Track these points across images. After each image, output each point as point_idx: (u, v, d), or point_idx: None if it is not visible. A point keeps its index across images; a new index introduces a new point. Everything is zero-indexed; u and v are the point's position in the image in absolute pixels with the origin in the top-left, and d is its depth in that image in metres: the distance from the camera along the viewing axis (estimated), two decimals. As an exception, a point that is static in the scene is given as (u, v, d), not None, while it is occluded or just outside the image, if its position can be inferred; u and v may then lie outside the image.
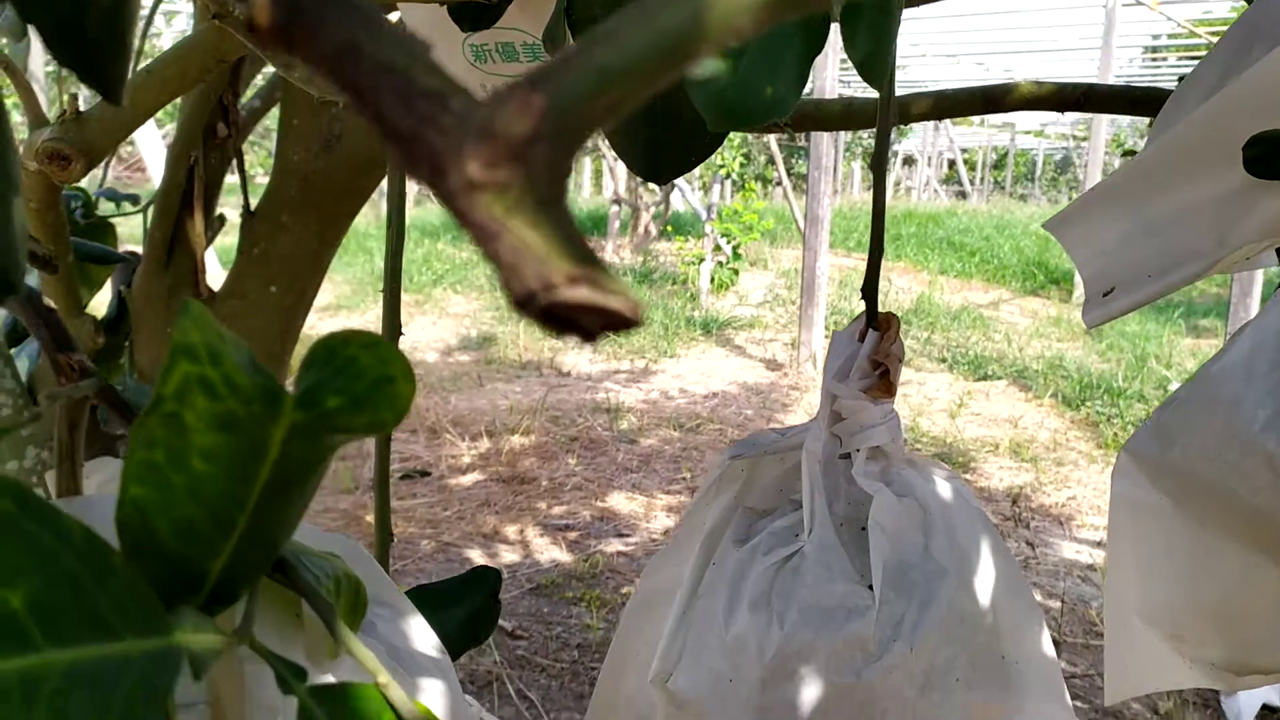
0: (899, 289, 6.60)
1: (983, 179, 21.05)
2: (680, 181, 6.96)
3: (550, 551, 2.54)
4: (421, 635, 0.42)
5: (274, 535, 0.29)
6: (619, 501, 2.94)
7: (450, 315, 5.95)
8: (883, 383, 0.62)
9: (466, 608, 0.59)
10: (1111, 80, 6.50)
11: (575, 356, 4.92)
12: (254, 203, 1.18)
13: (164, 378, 0.25)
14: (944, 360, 4.84)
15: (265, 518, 0.28)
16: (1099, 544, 2.67)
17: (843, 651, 0.58)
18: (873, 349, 0.62)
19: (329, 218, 1.18)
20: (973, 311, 5.99)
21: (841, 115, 0.91)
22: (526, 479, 3.07)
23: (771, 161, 9.35)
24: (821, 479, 0.63)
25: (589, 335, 0.17)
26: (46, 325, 0.32)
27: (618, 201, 7.78)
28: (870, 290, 0.62)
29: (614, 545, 2.60)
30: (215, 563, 0.27)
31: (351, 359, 0.28)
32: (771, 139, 6.82)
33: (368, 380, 0.28)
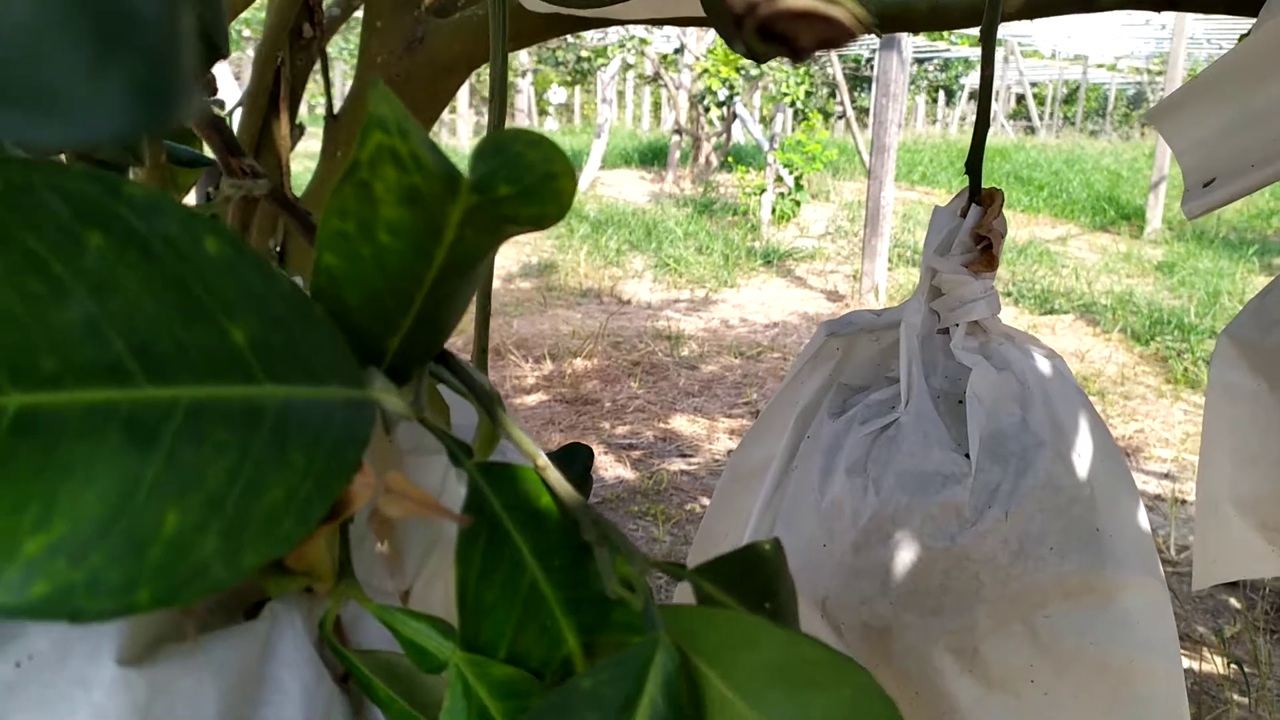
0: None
1: (1052, 114, 20.49)
2: (742, 112, 6.88)
3: (615, 469, 2.58)
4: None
5: (444, 321, 0.31)
6: (681, 424, 2.96)
7: (511, 242, 5.98)
8: (985, 256, 0.62)
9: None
10: None
11: (635, 285, 4.92)
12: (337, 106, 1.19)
13: (359, 145, 0.26)
14: (1009, 294, 4.78)
15: (438, 301, 0.30)
16: (1166, 475, 2.64)
17: (938, 516, 0.60)
18: (976, 222, 0.62)
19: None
20: (1039, 246, 5.88)
21: (929, 14, 0.89)
22: (589, 400, 3.11)
23: (833, 95, 9.19)
24: (919, 352, 0.63)
25: (799, 53, 0.17)
26: (217, 131, 0.34)
27: (678, 132, 7.71)
28: (974, 164, 0.62)
29: (677, 464, 2.63)
30: (393, 339, 0.29)
31: (519, 154, 0.30)
32: (837, 68, 6.70)
33: (535, 174, 0.29)
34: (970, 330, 0.64)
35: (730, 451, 2.74)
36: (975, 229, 0.62)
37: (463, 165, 0.27)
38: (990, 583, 0.59)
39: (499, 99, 0.71)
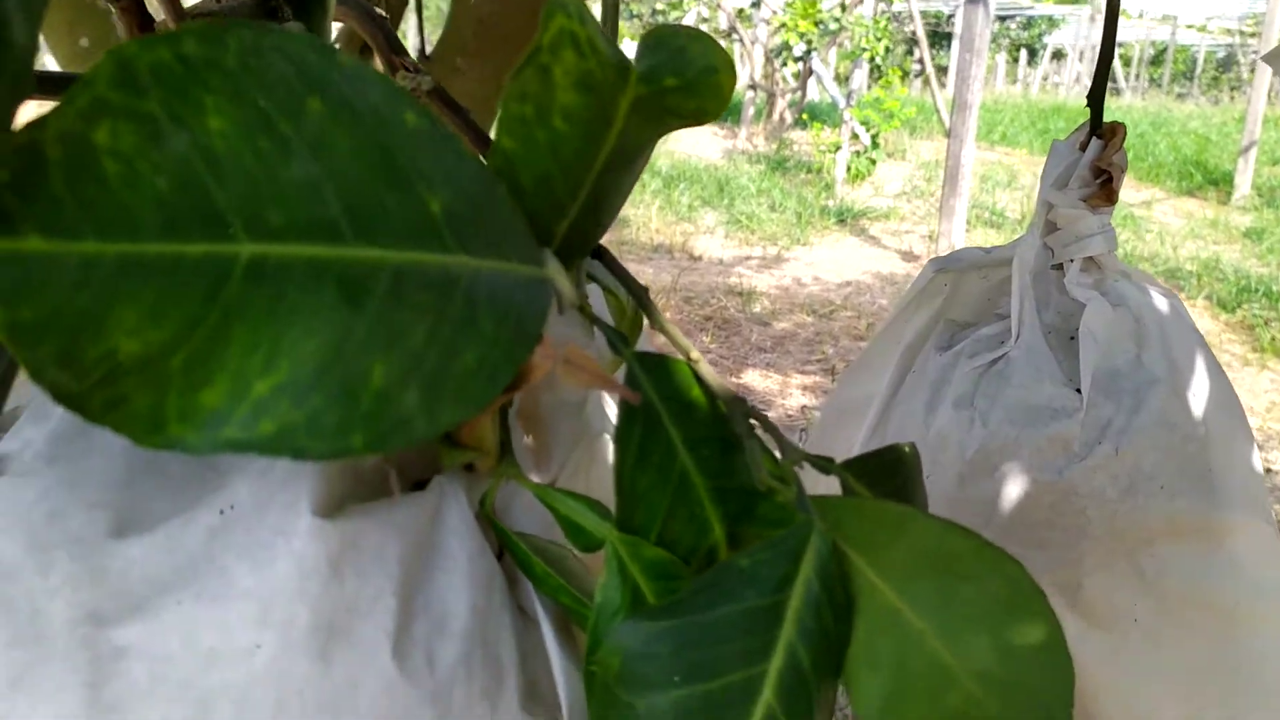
0: (1043, 185, 6.35)
1: (1138, 75, 19.86)
2: (819, 67, 6.78)
3: (686, 420, 2.59)
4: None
5: (605, 212, 0.31)
6: (754, 379, 2.96)
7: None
8: (1104, 191, 0.61)
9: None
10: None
11: (707, 241, 4.91)
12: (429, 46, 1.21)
13: (542, 30, 0.27)
14: (1090, 258, 4.66)
15: (602, 190, 0.30)
16: (1251, 444, 2.58)
17: (1046, 450, 0.59)
18: (1096, 156, 0.61)
19: (504, 63, 1.20)
20: (1123, 209, 5.73)
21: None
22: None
23: (910, 52, 8.99)
24: (1031, 288, 0.63)
25: None
26: (379, 29, 0.35)
27: (753, 87, 7.63)
28: (1097, 96, 0.61)
29: (749, 418, 2.63)
30: (561, 225, 0.30)
31: (682, 48, 0.30)
32: (918, 24, 6.56)
33: (697, 68, 0.30)
34: (1085, 266, 0.63)
35: (804, 408, 2.74)
36: (1095, 162, 0.61)
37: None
38: (1097, 518, 0.59)
39: (611, 24, 0.71)
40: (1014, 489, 0.60)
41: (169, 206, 0.20)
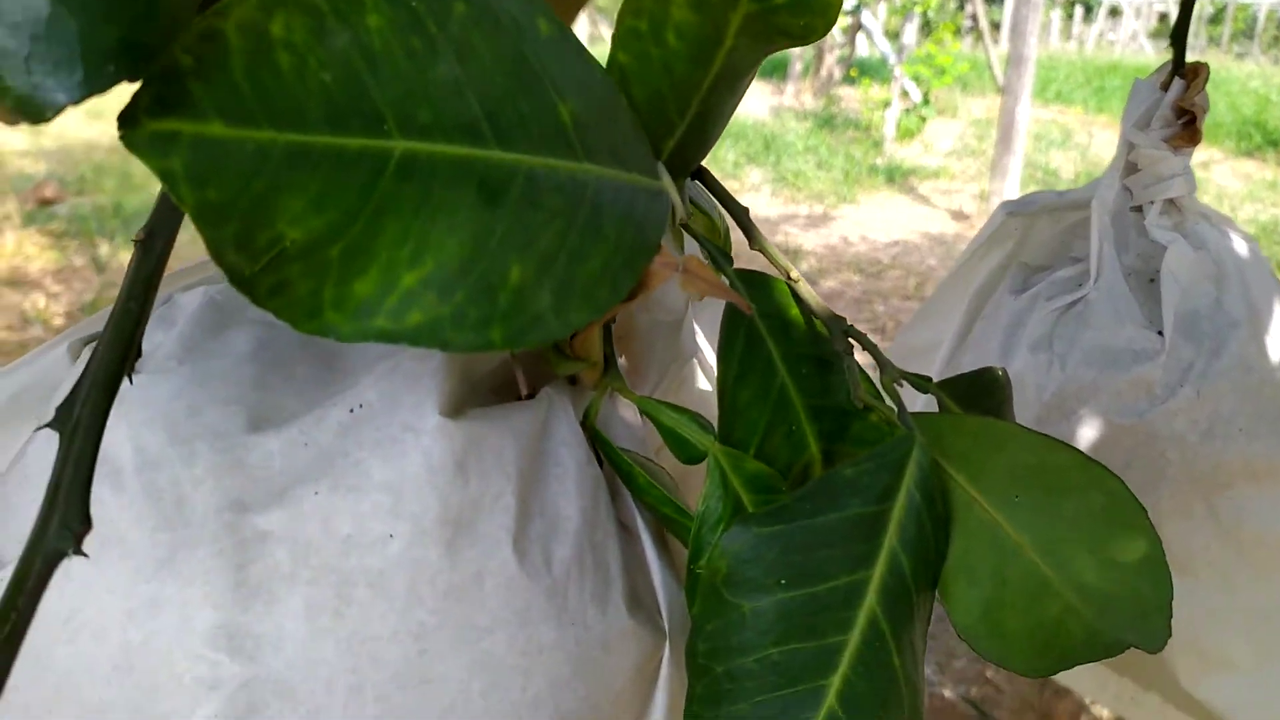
0: (1101, 143, 6.23)
1: (1196, 34, 19.32)
2: (869, 22, 6.67)
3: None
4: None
5: (710, 131, 0.32)
6: (801, 335, 2.94)
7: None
8: (1186, 132, 0.60)
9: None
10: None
11: (752, 198, 4.87)
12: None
13: (663, -58, 0.27)
14: (1145, 219, 4.58)
15: (709, 109, 0.31)
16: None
17: (1126, 393, 0.59)
18: (1179, 96, 0.60)
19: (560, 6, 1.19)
20: (1179, 171, 5.60)
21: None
22: (709, 309, 3.11)
23: (963, 7, 8.82)
24: (1111, 229, 0.63)
25: None
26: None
27: (802, 44, 7.51)
28: (1180, 34, 0.60)
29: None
30: (670, 142, 0.30)
31: (792, -35, 0.30)
32: (973, -22, 6.41)
33: (808, -15, 0.30)
34: (1165, 209, 0.62)
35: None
36: (1178, 102, 0.60)
37: None
38: (1176, 461, 0.59)
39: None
40: (1092, 432, 0.60)
41: (333, 100, 0.20)
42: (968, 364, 0.67)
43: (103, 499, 0.26)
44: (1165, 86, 0.62)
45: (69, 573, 0.25)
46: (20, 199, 3.19)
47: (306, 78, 0.20)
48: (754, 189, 5.07)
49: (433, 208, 0.22)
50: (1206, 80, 0.61)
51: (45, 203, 3.21)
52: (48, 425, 0.20)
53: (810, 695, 0.28)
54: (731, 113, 0.33)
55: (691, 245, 0.32)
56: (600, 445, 0.33)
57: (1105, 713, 1.17)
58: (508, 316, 0.23)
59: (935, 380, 0.64)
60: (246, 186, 0.19)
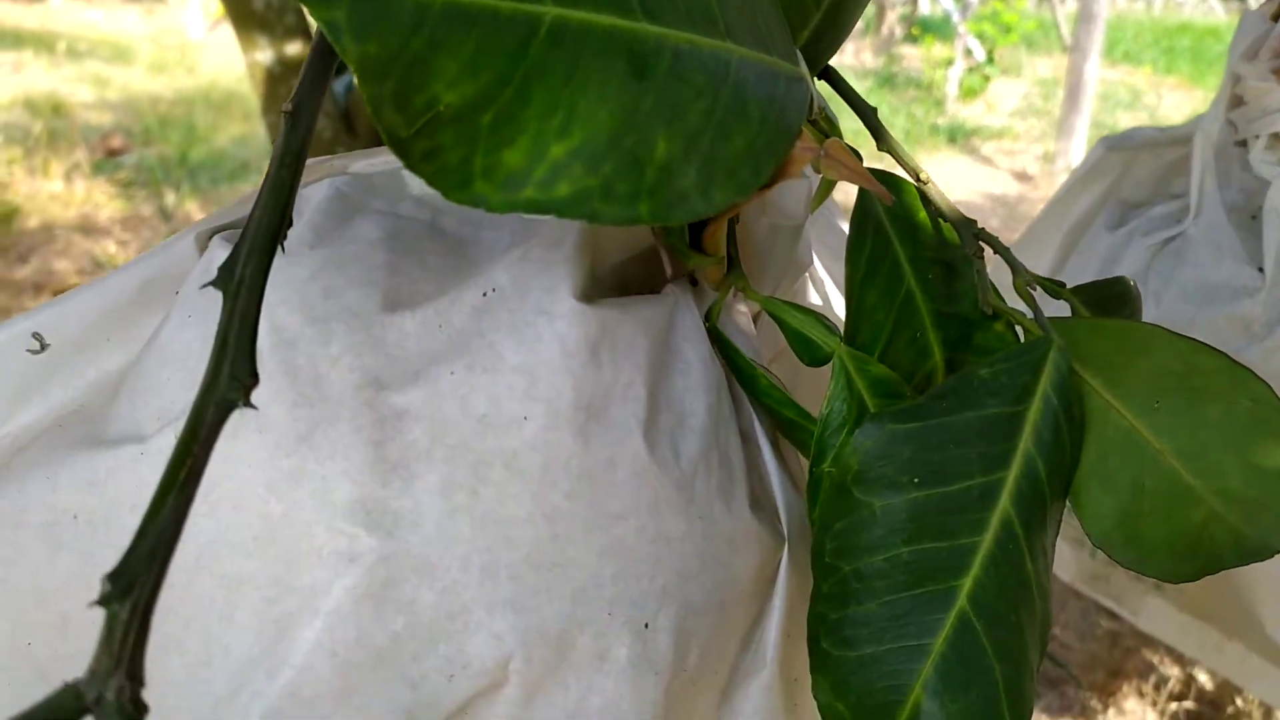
0: (1170, 104, 6.06)
1: (1272, -5, 18.66)
2: (934, -21, 6.52)
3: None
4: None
5: (843, 26, 0.31)
6: (860, 294, 2.92)
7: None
8: (1301, 61, 0.58)
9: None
10: None
11: (812, 157, 4.80)
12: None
13: None
14: (1215, 182, 4.45)
15: (841, 3, 0.30)
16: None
17: (1223, 329, 0.58)
18: (1295, 24, 0.58)
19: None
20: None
21: None
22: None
23: (1032, -36, 8.59)
24: (1214, 164, 0.61)
25: None
26: None
27: None
28: (1301, -41, 0.58)
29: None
30: (804, 34, 0.30)
31: None
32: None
33: None
34: (1271, 143, 0.60)
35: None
36: (1293, 31, 0.58)
37: None
38: (1273, 402, 0.57)
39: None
40: (1185, 370, 0.59)
41: (491, -44, 0.20)
42: (1059, 302, 0.66)
43: (240, 376, 0.26)
44: (1276, 17, 0.59)
45: (209, 446, 0.25)
46: (89, 149, 3.24)
47: (468, -73, 0.19)
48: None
49: (582, 77, 0.22)
50: (1324, 7, 0.59)
51: (112, 153, 3.26)
52: (210, 284, 0.20)
53: (941, 596, 0.27)
54: (864, 8, 0.32)
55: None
56: (722, 346, 0.32)
57: (1175, 670, 1.16)
58: (654, 191, 0.23)
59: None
60: (406, 43, 0.19)
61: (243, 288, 0.20)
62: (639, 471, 0.27)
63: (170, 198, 2.92)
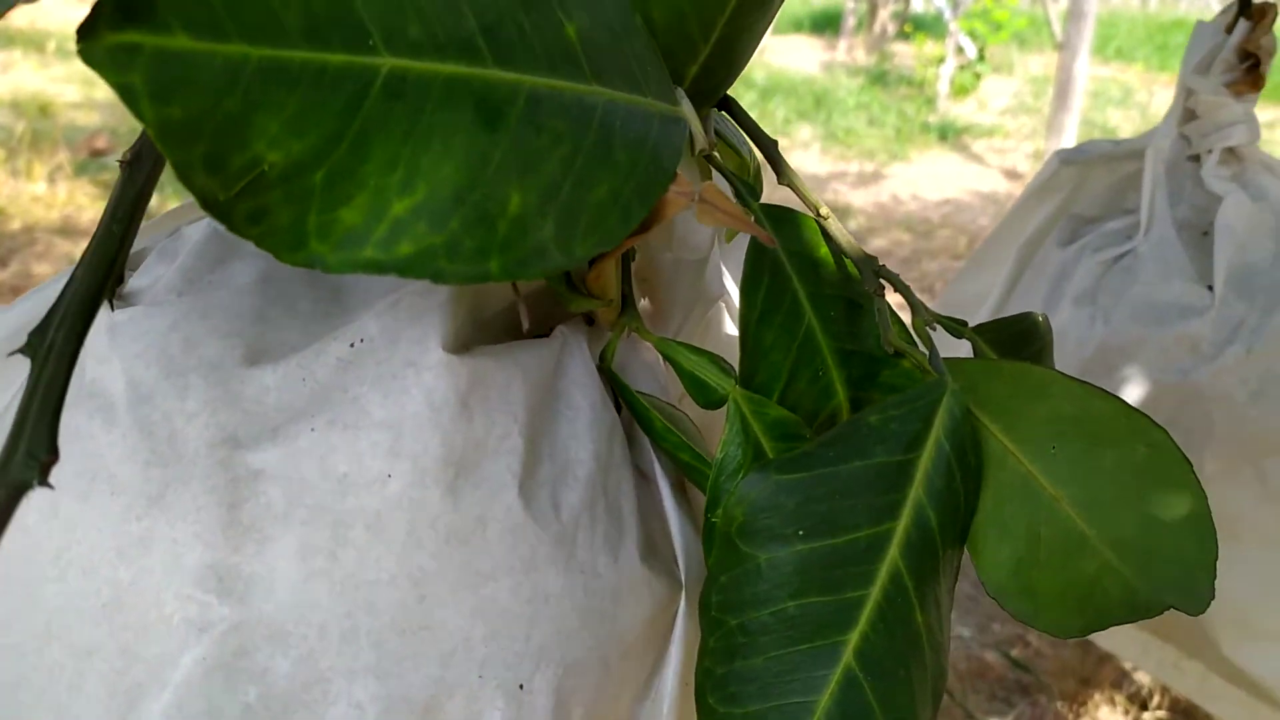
0: (1162, 102, 6.06)
1: (1266, -11, 18.67)
2: (925, -24, 6.51)
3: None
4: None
5: (736, 57, 0.30)
6: (847, 294, 2.91)
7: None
8: (1250, 76, 0.57)
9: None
10: None
11: (802, 155, 4.81)
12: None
13: None
14: (1206, 179, 4.45)
15: (735, 33, 0.29)
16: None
17: (1172, 350, 0.57)
18: (1243, 37, 0.57)
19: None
20: (1243, 130, 5.43)
21: None
22: (754, 266, 3.07)
23: (1025, -40, 8.57)
24: (1165, 180, 0.60)
25: None
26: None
27: (855, -2, 7.37)
28: (1249, -28, 0.57)
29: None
30: (692, 67, 0.29)
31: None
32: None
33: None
34: (1224, 158, 0.59)
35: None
36: (1242, 44, 0.57)
37: None
38: (1222, 422, 0.57)
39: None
40: (1135, 390, 0.58)
41: (312, 12, 0.19)
42: (1013, 313, 0.65)
43: (93, 434, 0.25)
44: (1230, 29, 0.59)
45: (58, 509, 0.24)
46: (72, 150, 3.22)
47: (284, -17, 0.19)
48: (804, 146, 5.00)
49: (425, 130, 0.21)
50: (1275, 21, 0.58)
51: (97, 154, 3.24)
52: (19, 350, 0.19)
53: (827, 651, 0.26)
54: (761, 36, 0.32)
55: (718, 180, 0.31)
56: (617, 388, 0.32)
57: (1148, 679, 1.15)
58: (507, 246, 0.22)
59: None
60: (217, 104, 0.18)
61: (51, 354, 0.19)
62: (513, 527, 0.26)
63: (154, 200, 2.91)
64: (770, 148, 0.32)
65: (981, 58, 5.86)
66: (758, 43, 0.31)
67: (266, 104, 0.19)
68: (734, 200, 0.26)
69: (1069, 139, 4.22)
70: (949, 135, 5.24)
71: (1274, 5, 0.58)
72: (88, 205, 2.84)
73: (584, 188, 0.23)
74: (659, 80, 0.26)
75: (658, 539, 0.31)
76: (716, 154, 0.31)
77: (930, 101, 5.80)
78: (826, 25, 8.13)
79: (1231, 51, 0.58)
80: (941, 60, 5.80)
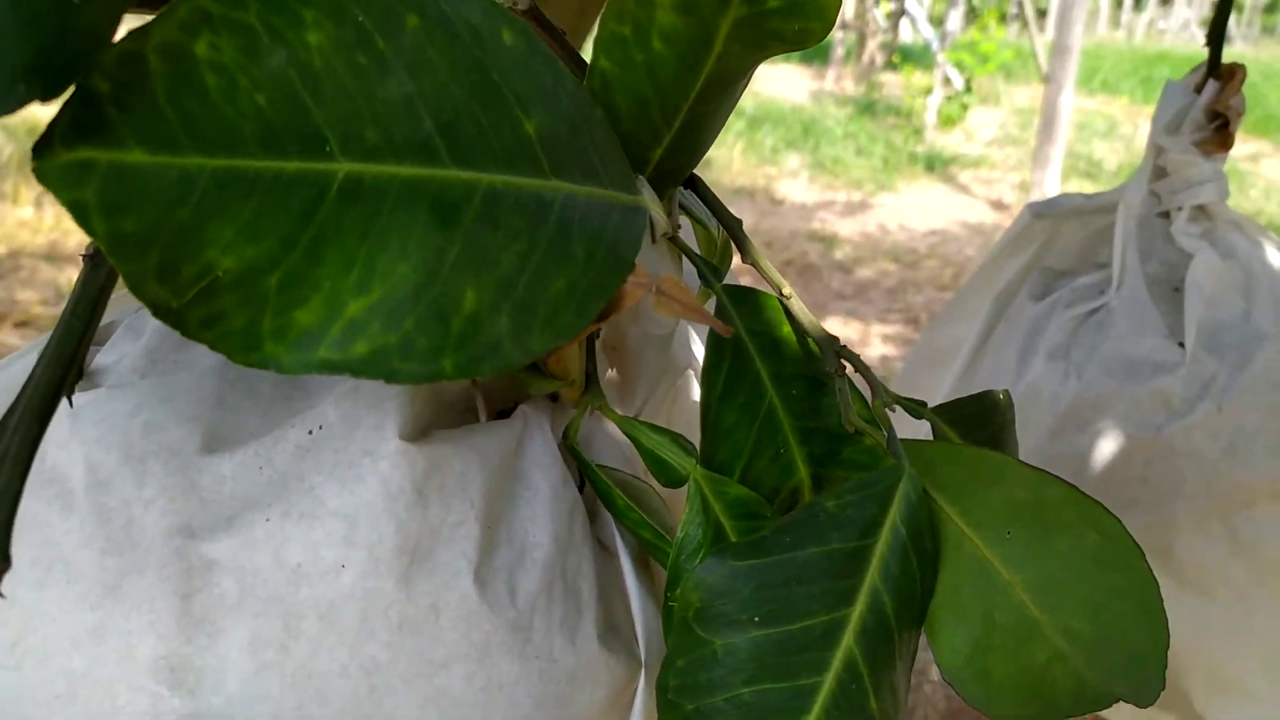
0: (1146, 134, 6.11)
1: (1250, 23, 18.90)
2: (913, 8, 6.58)
3: (764, 365, 2.56)
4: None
5: (701, 139, 0.30)
6: (833, 326, 2.92)
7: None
8: (1219, 136, 0.58)
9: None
10: None
11: (790, 184, 4.83)
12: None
13: (644, -53, 0.26)
14: (1190, 211, 4.48)
15: (700, 116, 0.30)
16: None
17: (1144, 405, 0.57)
18: (1212, 98, 0.58)
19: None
20: (1227, 163, 5.49)
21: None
22: (741, 296, 3.08)
23: (1011, -8, 8.66)
24: (1136, 236, 0.61)
25: None
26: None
27: (843, 27, 7.44)
28: (1216, 34, 0.58)
29: (827, 365, 2.60)
30: (656, 151, 0.29)
31: (787, -31, 0.29)
32: (1019, -37, 6.30)
33: (801, -10, 0.29)
34: (1194, 215, 0.60)
35: (884, 358, 2.70)
36: (1211, 105, 0.58)
37: None
38: (1194, 478, 0.57)
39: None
40: (1107, 445, 0.58)
41: (267, 122, 0.19)
42: (986, 369, 0.65)
43: (51, 521, 0.25)
44: (1199, 89, 0.59)
45: (14, 597, 0.24)
46: (60, 176, 3.21)
47: (237, 99, 0.19)
48: (792, 174, 5.03)
49: (381, 232, 0.21)
50: (1243, 82, 0.59)
51: (85, 180, 3.24)
52: (-30, 454, 0.19)
53: (782, 737, 0.27)
54: (726, 118, 0.32)
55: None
56: (580, 465, 0.32)
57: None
58: (462, 344, 0.22)
59: (947, 394, 0.62)
60: (169, 215, 0.18)
61: (6, 461, 0.19)
62: (467, 615, 0.26)
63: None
64: (734, 227, 0.32)
65: (968, 89, 5.91)
66: (722, 124, 0.32)
67: (221, 212, 0.19)
68: (690, 291, 0.26)
69: (1054, 170, 4.26)
70: (936, 165, 5.28)
71: (1243, 67, 0.59)
72: (74, 231, 2.84)
73: (540, 283, 0.24)
74: (619, 170, 0.26)
75: (618, 615, 0.31)
76: (681, 235, 0.31)
77: (918, 132, 5.84)
78: (815, 55, 8.20)
79: (1201, 111, 0.59)
80: (929, 91, 5.85)
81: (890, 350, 2.77)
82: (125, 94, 0.18)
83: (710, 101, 0.29)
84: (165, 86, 0.18)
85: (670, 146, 0.30)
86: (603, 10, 0.27)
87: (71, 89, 0.18)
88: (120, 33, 0.19)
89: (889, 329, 2.94)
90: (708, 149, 0.32)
